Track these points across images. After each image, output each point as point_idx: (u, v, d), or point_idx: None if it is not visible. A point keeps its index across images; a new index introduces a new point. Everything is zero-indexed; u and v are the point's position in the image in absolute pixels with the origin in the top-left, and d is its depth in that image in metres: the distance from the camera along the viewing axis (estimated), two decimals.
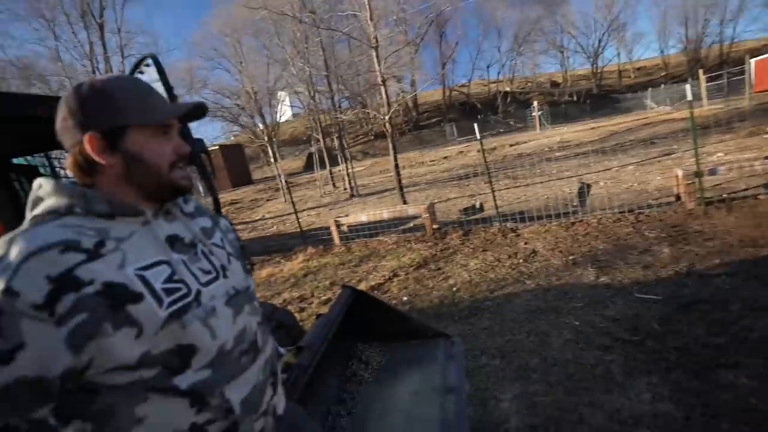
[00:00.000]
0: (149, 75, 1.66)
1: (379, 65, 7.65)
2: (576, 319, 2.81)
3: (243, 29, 19.35)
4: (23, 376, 0.56)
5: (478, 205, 6.30)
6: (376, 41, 7.59)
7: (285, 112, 28.59)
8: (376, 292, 4.17)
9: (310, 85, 13.10)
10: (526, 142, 18.04)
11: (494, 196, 5.67)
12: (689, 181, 4.68)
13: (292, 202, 7.16)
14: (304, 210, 11.48)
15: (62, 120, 0.73)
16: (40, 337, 0.57)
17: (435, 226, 5.90)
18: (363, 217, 6.33)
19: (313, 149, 18.23)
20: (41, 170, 2.59)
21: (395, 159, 7.62)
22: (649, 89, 25.82)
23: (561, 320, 2.83)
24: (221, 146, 26.73)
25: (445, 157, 18.65)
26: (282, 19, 13.80)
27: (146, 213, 0.75)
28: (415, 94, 26.59)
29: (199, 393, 0.72)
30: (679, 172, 4.87)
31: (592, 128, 18.10)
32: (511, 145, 17.98)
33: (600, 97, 34.17)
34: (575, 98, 35.06)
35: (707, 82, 17.88)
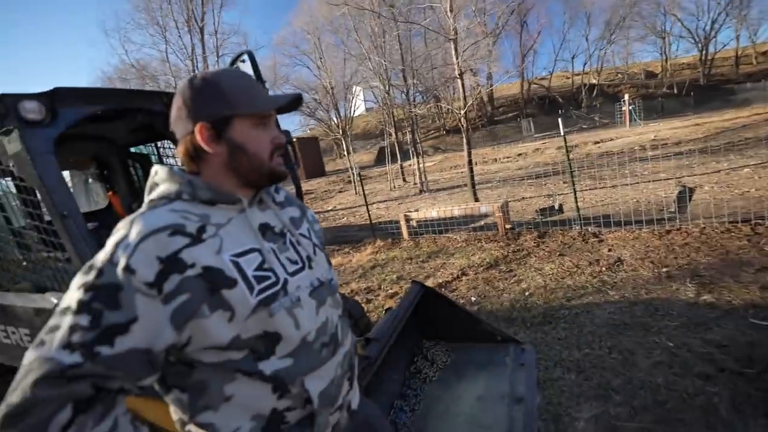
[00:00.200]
0: (245, 70, 1.80)
1: (457, 58, 7.45)
2: (669, 339, 2.50)
3: (323, 26, 20.12)
4: (135, 347, 0.62)
5: (557, 206, 5.87)
6: (455, 33, 7.40)
7: (359, 106, 29.31)
8: (443, 290, 4.11)
9: (385, 80, 13.22)
10: (612, 140, 16.44)
11: (576, 197, 5.25)
12: None
13: (364, 195, 7.31)
14: (373, 203, 11.68)
15: (177, 110, 0.78)
16: (151, 312, 0.63)
17: (508, 226, 5.64)
18: (433, 213, 6.27)
19: (384, 143, 18.45)
20: (152, 158, 2.94)
21: (469, 155, 7.41)
22: None
23: (650, 339, 2.53)
24: (298, 139, 28.25)
25: (520, 154, 17.71)
26: (361, 15, 14.09)
27: (243, 201, 0.80)
28: (491, 88, 25.56)
29: (281, 380, 0.75)
30: None
31: (696, 124, 15.92)
32: (595, 143, 16.52)
33: (708, 89, 29.81)
34: (675, 90, 31.04)
35: None
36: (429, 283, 4.32)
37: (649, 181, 7.26)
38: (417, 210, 6.80)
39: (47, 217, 1.69)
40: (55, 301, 1.57)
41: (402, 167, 16.10)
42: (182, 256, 0.67)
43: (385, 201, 12.21)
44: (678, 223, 4.63)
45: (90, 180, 3.25)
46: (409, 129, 14.27)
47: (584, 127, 26.16)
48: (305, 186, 21.32)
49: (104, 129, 2.63)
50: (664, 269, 3.56)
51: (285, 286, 0.77)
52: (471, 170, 7.63)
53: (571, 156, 5.20)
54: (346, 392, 0.90)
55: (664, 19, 33.68)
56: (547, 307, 3.32)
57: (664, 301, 3.01)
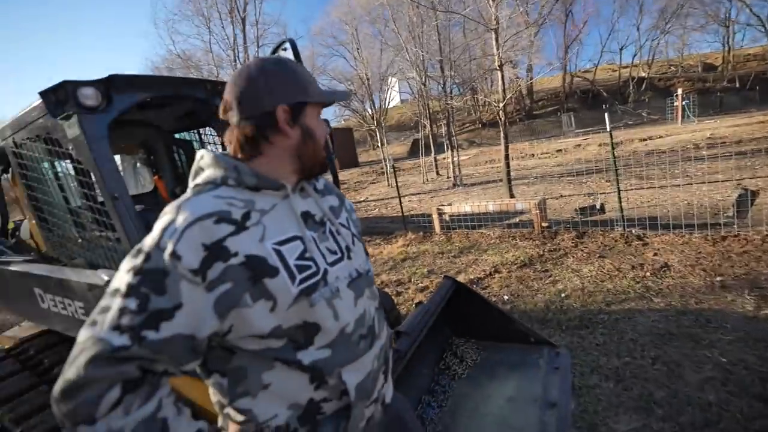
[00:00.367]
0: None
1: (497, 49, 7.21)
2: (723, 354, 2.33)
3: (361, 16, 20.08)
4: (180, 333, 0.63)
5: (598, 206, 5.60)
6: (497, 23, 7.15)
7: (394, 97, 29.14)
8: (475, 286, 4.03)
9: (422, 71, 13.04)
10: (661, 137, 15.45)
11: (620, 197, 4.98)
12: None
13: (397, 187, 7.28)
14: (405, 195, 11.63)
15: (245, 92, 0.76)
16: (194, 299, 0.63)
17: (544, 224, 5.45)
18: (467, 207, 6.15)
19: (419, 135, 18.27)
20: (195, 144, 3.04)
21: (506, 149, 7.19)
22: None
23: (700, 352, 2.37)
24: (333, 129, 28.46)
25: (560, 150, 17.01)
26: (399, 4, 13.93)
27: (287, 187, 0.79)
28: (531, 81, 24.62)
29: (319, 370, 0.74)
30: None
31: (761, 122, 14.65)
32: (642, 140, 15.59)
33: None
34: (738, 84, 28.65)
35: None
36: (460, 278, 4.26)
37: (703, 183, 6.76)
38: (450, 204, 6.70)
39: (100, 198, 1.78)
40: (106, 277, 1.66)
41: (436, 160, 15.91)
42: (227, 244, 0.66)
43: (418, 194, 12.13)
44: (736, 229, 4.28)
45: (138, 164, 3.42)
46: (445, 121, 14.04)
47: (630, 123, 24.74)
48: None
49: (152, 115, 2.74)
50: (718, 278, 3.32)
51: (325, 276, 0.77)
52: (507, 165, 7.40)
53: (615, 153, 4.92)
54: (381, 386, 0.89)
55: (729, 5, 30.82)
56: (584, 310, 3.18)
57: (717, 313, 2.81)
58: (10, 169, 2.21)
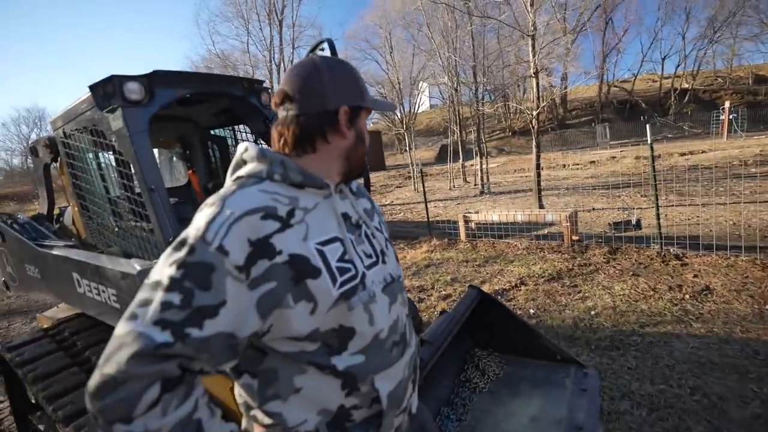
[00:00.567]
0: None
1: (534, 56, 7.05)
2: None
3: (395, 21, 20.17)
4: (222, 332, 0.60)
5: (634, 221, 5.36)
6: (534, 28, 7.00)
7: (423, 102, 29.08)
8: (499, 297, 3.93)
9: (454, 76, 12.94)
10: (704, 152, 14.67)
11: (658, 213, 4.74)
12: None
13: (424, 192, 7.23)
14: (431, 201, 11.54)
15: (305, 89, 0.74)
16: (238, 297, 0.61)
17: (575, 238, 5.26)
18: (494, 216, 6.03)
19: (447, 141, 18.13)
20: (229, 141, 3.11)
21: (537, 158, 7.01)
22: None
23: (747, 386, 2.20)
24: None
25: (593, 162, 16.46)
26: (434, 9, 13.89)
27: (330, 186, 0.77)
28: (566, 90, 23.95)
29: (352, 376, 0.72)
30: None
31: None
32: (682, 154, 14.85)
33: None
34: None
35: None
36: (485, 288, 4.16)
37: (753, 202, 6.36)
38: (477, 212, 6.58)
39: (137, 190, 1.84)
40: (138, 267, 1.70)
41: (463, 167, 15.73)
42: (273, 241, 0.64)
43: (444, 200, 12.01)
44: None
45: (174, 158, 3.53)
46: (475, 128, 13.87)
47: (670, 136, 23.66)
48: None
49: (190, 111, 2.82)
50: None
51: (363, 279, 0.75)
52: (538, 175, 7.21)
53: (654, 167, 4.69)
54: (410, 395, 0.87)
55: None
56: (615, 330, 3.03)
57: (766, 344, 2.61)
58: (59, 158, 2.32)
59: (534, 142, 7.16)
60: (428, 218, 7.09)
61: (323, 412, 0.73)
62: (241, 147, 0.78)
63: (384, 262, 0.84)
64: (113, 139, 1.79)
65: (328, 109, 0.75)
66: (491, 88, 18.56)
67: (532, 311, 3.57)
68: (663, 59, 32.93)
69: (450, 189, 14.19)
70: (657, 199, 4.74)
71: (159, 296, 0.58)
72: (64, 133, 2.12)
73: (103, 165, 2.14)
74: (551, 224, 5.97)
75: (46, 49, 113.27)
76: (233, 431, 0.66)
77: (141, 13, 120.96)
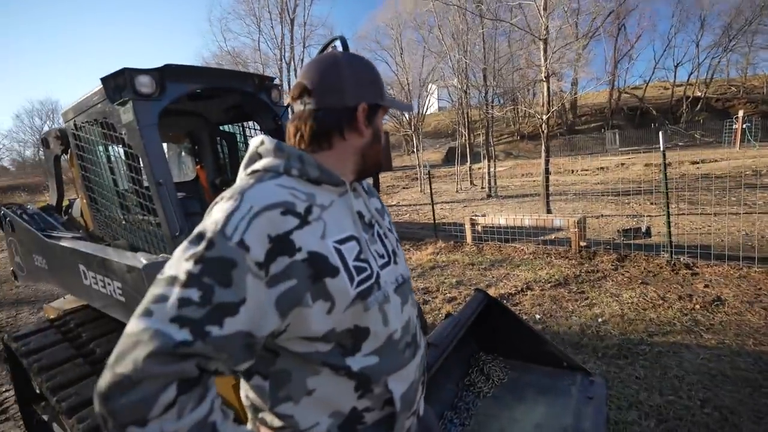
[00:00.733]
0: None
1: (545, 60, 7.00)
2: None
3: (406, 22, 20.17)
4: (241, 330, 0.57)
5: (644, 229, 5.29)
6: (547, 32, 6.95)
7: (432, 104, 29.03)
8: (505, 302, 3.89)
9: (464, 79, 12.90)
10: (716, 161, 14.48)
11: (669, 221, 4.67)
12: None
13: (431, 193, 7.19)
14: (438, 203, 11.51)
15: (325, 84, 0.73)
16: (258, 295, 0.58)
17: (583, 244, 5.21)
18: (501, 220, 5.99)
19: (454, 143, 18.07)
20: (237, 137, 3.11)
21: (546, 163, 6.95)
22: None
23: (760, 400, 2.15)
24: None
25: (601, 168, 16.30)
26: (445, 11, 13.86)
27: (346, 184, 0.76)
28: (576, 95, 23.77)
29: (366, 378, 0.70)
30: None
31: None
32: (693, 163, 14.67)
33: None
34: None
35: None
36: (490, 292, 4.12)
37: (764, 213, 6.25)
38: (484, 215, 6.54)
39: (146, 183, 1.84)
40: (144, 261, 1.69)
41: (471, 169, 15.67)
42: (293, 237, 0.62)
43: (450, 202, 11.97)
44: None
45: (182, 153, 3.54)
46: (483, 131, 13.81)
47: (681, 144, 23.39)
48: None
49: (200, 106, 2.82)
50: None
51: (378, 279, 0.73)
52: (547, 179, 7.15)
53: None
54: (420, 396, 0.86)
55: None
56: (623, 338, 2.98)
57: None
58: (70, 150, 2.33)
59: (543, 147, 7.10)
60: (434, 220, 7.06)
61: (335, 415, 0.71)
62: (255, 140, 0.75)
63: (396, 262, 0.82)
64: (123, 132, 1.79)
65: (347, 105, 0.73)
66: (501, 92, 18.47)
67: (538, 316, 3.53)
68: (676, 66, 32.60)
69: (457, 191, 14.13)
70: (668, 207, 4.67)
71: (176, 292, 0.55)
72: (75, 125, 2.13)
73: (112, 158, 2.14)
74: (559, 229, 5.92)
75: (60, 42, 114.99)
76: None
77: (155, 9, 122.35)
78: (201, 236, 0.59)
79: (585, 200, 9.54)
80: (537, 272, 4.62)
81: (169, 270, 0.58)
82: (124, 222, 2.12)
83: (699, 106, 30.08)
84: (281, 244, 0.60)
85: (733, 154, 15.99)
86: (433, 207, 7.11)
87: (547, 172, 7.06)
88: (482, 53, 12.73)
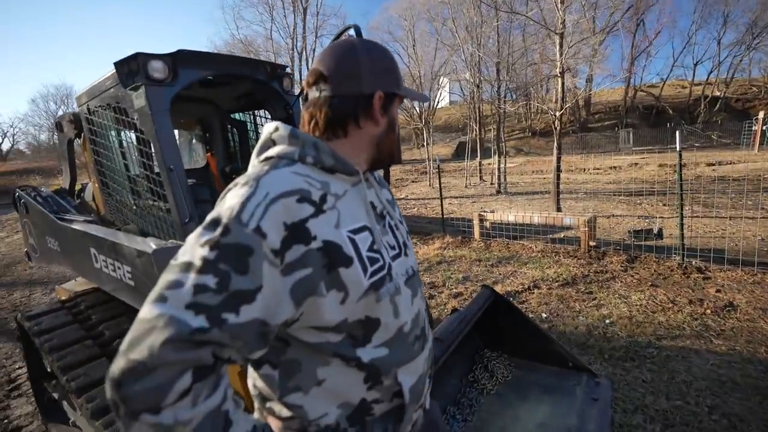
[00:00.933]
0: None
1: (561, 55, 6.87)
2: None
3: (419, 14, 19.93)
4: (257, 318, 0.57)
5: (656, 230, 5.20)
6: (563, 26, 6.80)
7: (443, 98, 28.77)
8: (511, 299, 3.86)
9: (477, 72, 12.73)
10: (733, 163, 14.17)
11: (682, 223, 4.59)
12: None
13: (440, 188, 7.15)
14: (446, 198, 11.45)
15: (342, 71, 0.71)
16: (273, 283, 0.57)
17: (592, 243, 5.15)
18: (510, 217, 5.94)
19: (465, 138, 17.92)
20: (248, 125, 3.10)
21: (558, 161, 6.86)
22: None
23: None
24: None
25: (614, 167, 16.05)
26: (460, 3, 13.65)
27: (360, 174, 0.75)
28: (591, 92, 23.34)
29: (376, 369, 0.70)
30: None
31: None
32: (709, 164, 14.38)
33: None
34: None
35: None
36: (497, 289, 4.08)
37: None
38: (493, 211, 6.49)
39: (156, 169, 1.84)
40: (154, 246, 1.70)
41: (481, 165, 15.55)
42: (308, 225, 0.61)
43: (459, 197, 11.90)
44: None
45: (193, 140, 3.55)
46: (494, 126, 13.67)
47: (697, 145, 22.90)
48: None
49: (212, 93, 2.82)
50: None
51: (390, 271, 0.72)
52: (558, 178, 7.06)
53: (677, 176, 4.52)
54: (427, 390, 0.86)
55: None
56: (630, 341, 2.95)
57: None
58: (83, 134, 2.35)
59: (555, 144, 7.01)
60: (443, 215, 7.02)
61: (344, 405, 0.71)
62: (269, 126, 0.74)
63: (406, 254, 0.82)
64: (135, 117, 1.79)
65: (363, 93, 0.72)
66: (514, 87, 18.23)
67: (544, 315, 3.50)
68: (695, 65, 31.69)
69: (466, 187, 14.04)
70: (681, 209, 4.58)
71: (192, 278, 0.54)
72: (89, 109, 2.14)
73: (124, 143, 2.15)
74: (568, 228, 5.85)
75: (76, 28, 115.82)
76: (256, 425, 0.63)
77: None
78: (216, 222, 0.58)
79: (596, 199, 9.41)
80: (545, 270, 4.58)
81: (183, 256, 0.57)
82: (134, 207, 2.14)
83: (717, 106, 29.35)
84: (297, 232, 0.60)
85: (752, 157, 15.62)
86: (441, 201, 7.07)
87: (558, 169, 6.96)
88: (496, 47, 12.55)
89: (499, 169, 12.39)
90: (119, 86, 1.80)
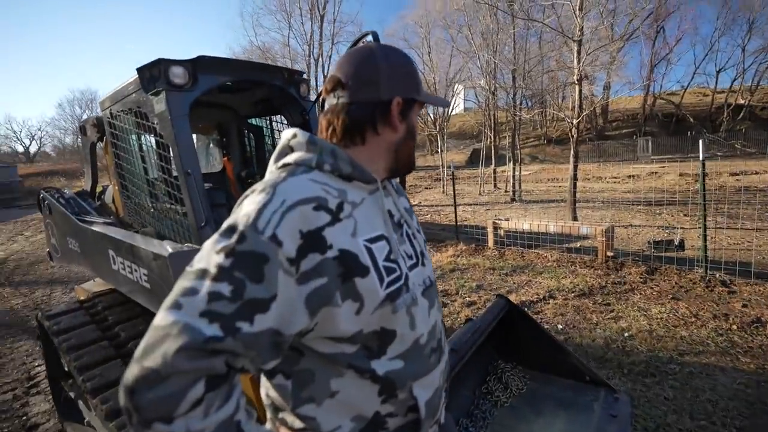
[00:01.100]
0: None
1: (578, 62, 6.79)
2: None
3: (435, 21, 20.00)
4: (271, 328, 0.56)
5: (677, 242, 5.06)
6: (581, 33, 6.73)
7: (458, 105, 28.72)
8: (526, 309, 3.79)
9: (492, 79, 12.68)
10: (757, 173, 13.74)
11: (705, 234, 4.44)
12: None
13: (454, 195, 7.10)
14: (460, 205, 11.38)
15: (364, 74, 0.70)
16: (288, 292, 0.56)
17: (610, 254, 5.02)
18: (525, 225, 5.85)
19: (479, 145, 17.82)
20: (264, 131, 3.14)
21: (575, 169, 6.75)
22: None
23: None
24: None
25: (632, 176, 15.74)
26: (476, 10, 13.65)
27: (377, 182, 0.74)
28: (608, 100, 22.97)
29: (391, 382, 0.68)
30: None
31: None
32: (733, 174, 13.96)
33: None
34: None
35: None
36: (511, 299, 4.02)
37: None
38: (507, 219, 6.40)
39: (174, 173, 1.87)
40: (170, 249, 1.72)
41: (495, 172, 15.42)
42: (325, 234, 0.60)
43: (473, 205, 11.81)
44: None
45: (211, 145, 3.60)
46: (509, 133, 13.56)
47: (719, 154, 22.28)
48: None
49: (230, 99, 2.86)
50: None
51: (407, 281, 0.70)
52: (574, 186, 6.94)
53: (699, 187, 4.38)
54: (443, 404, 0.83)
55: None
56: (651, 355, 2.85)
57: None
58: (105, 138, 2.40)
59: (572, 152, 6.90)
60: (456, 222, 6.97)
61: (357, 419, 0.69)
62: (287, 133, 0.73)
63: (423, 264, 0.79)
64: (155, 122, 1.82)
65: (381, 99, 0.70)
66: (529, 94, 18.08)
67: (560, 326, 3.42)
68: (718, 72, 30.86)
69: (480, 194, 13.94)
70: (704, 219, 4.43)
71: (206, 285, 0.53)
72: (111, 113, 2.19)
73: (144, 146, 2.19)
74: (585, 238, 5.73)
75: (101, 34, 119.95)
76: None
77: (191, 3, 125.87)
78: (232, 229, 0.57)
79: (613, 209, 9.23)
80: (560, 281, 4.49)
81: (198, 263, 0.56)
82: (152, 210, 2.17)
83: (741, 114, 28.56)
84: (313, 241, 0.58)
85: None
86: (455, 208, 7.02)
87: (575, 178, 6.85)
88: (512, 54, 12.50)
89: (513, 176, 12.27)
90: (141, 91, 1.83)
